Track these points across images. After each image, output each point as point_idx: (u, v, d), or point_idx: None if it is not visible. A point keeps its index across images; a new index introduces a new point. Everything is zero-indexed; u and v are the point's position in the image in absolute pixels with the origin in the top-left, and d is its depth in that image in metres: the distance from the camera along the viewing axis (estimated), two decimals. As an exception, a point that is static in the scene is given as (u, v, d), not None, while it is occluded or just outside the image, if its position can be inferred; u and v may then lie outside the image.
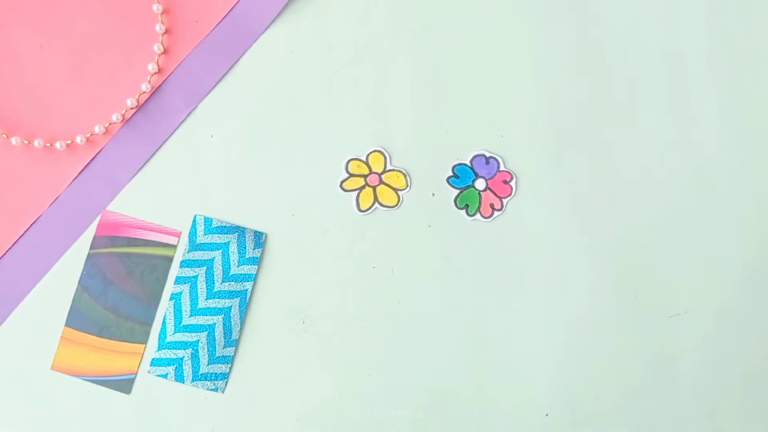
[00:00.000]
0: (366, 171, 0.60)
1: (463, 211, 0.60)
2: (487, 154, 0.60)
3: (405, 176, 0.60)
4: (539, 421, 0.60)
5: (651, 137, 0.61)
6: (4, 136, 0.58)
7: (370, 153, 0.60)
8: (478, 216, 0.60)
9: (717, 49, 0.62)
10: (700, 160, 0.61)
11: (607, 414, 0.61)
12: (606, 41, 0.62)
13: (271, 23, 0.61)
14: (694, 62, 0.62)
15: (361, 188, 0.60)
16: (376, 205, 0.60)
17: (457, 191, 0.61)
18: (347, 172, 0.60)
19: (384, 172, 0.60)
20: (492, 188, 0.60)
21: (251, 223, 0.60)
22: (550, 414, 0.61)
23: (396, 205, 0.60)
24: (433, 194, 0.61)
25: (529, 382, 0.61)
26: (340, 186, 0.60)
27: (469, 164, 0.60)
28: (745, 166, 0.62)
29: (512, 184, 0.61)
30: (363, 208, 0.60)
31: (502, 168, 0.61)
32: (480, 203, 0.60)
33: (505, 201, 0.60)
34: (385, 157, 0.60)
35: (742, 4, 0.62)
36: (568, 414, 0.61)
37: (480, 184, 0.60)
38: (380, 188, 0.60)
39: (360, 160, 0.60)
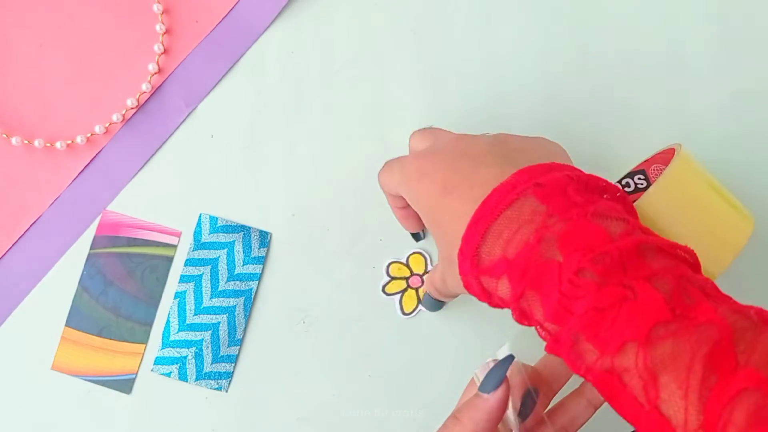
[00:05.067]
0: (407, 273, 0.60)
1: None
2: (488, 154, 0.60)
3: None
4: (539, 421, 0.60)
5: (651, 137, 0.61)
6: (4, 136, 0.58)
7: (410, 255, 0.60)
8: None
9: (718, 49, 0.62)
10: (701, 160, 0.61)
11: (607, 414, 0.61)
12: (606, 41, 0.62)
13: (271, 23, 0.61)
14: (695, 62, 0.62)
15: (404, 291, 0.60)
16: (420, 307, 0.60)
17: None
18: (388, 275, 0.60)
19: (425, 273, 0.60)
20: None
21: (251, 224, 0.60)
22: (550, 413, 0.61)
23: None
24: (434, 194, 0.61)
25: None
26: (382, 290, 0.59)
27: (469, 164, 0.61)
28: (746, 165, 0.62)
29: (512, 184, 0.61)
30: (407, 311, 0.60)
31: (502, 168, 0.61)
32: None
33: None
34: (425, 259, 0.60)
35: (743, 4, 0.63)
36: (567, 413, 0.61)
37: (480, 184, 0.61)
38: (423, 290, 0.60)
39: (400, 263, 0.60)
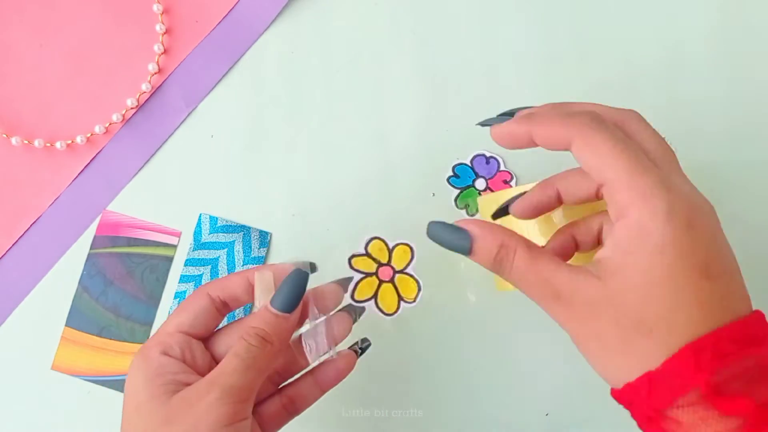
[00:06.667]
0: (373, 267, 0.53)
1: (463, 211, 0.60)
2: (488, 154, 0.61)
3: (410, 248, 0.53)
4: (539, 421, 0.60)
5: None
6: (4, 136, 0.58)
7: (369, 242, 0.53)
8: (478, 216, 0.60)
9: (719, 50, 0.62)
10: (701, 160, 0.62)
11: (607, 414, 0.61)
12: (606, 41, 0.62)
13: (271, 23, 0.61)
14: (696, 63, 0.62)
15: (377, 292, 0.53)
16: (402, 303, 0.53)
17: (457, 191, 0.61)
18: (353, 269, 0.52)
19: (390, 261, 0.52)
20: (492, 188, 0.60)
21: (251, 223, 0.60)
22: (550, 414, 0.61)
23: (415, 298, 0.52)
24: (434, 194, 0.61)
25: (529, 382, 0.61)
26: (351, 297, 0.52)
27: (469, 164, 0.60)
28: (747, 166, 0.62)
29: (512, 184, 0.61)
30: (389, 311, 0.53)
31: (502, 168, 0.61)
32: (480, 203, 0.61)
33: (505, 201, 0.61)
34: (387, 244, 0.52)
35: (743, 5, 0.63)
36: (568, 414, 0.61)
37: (480, 184, 0.60)
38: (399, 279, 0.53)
39: (360, 255, 0.52)
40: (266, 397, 0.49)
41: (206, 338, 0.48)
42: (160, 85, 0.60)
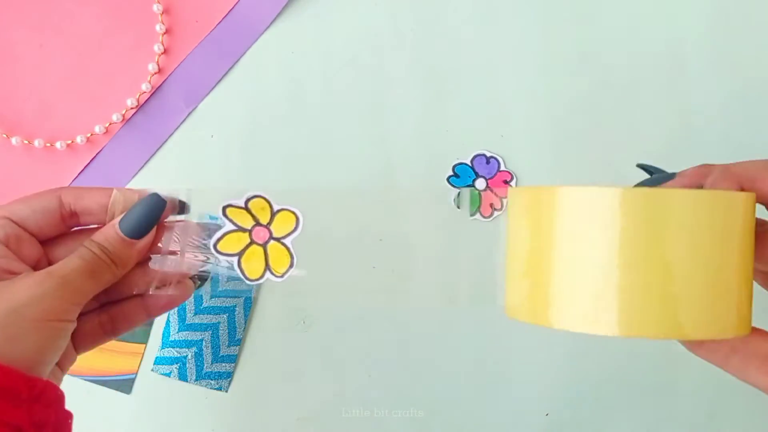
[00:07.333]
0: (250, 222, 0.45)
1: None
2: (488, 154, 0.61)
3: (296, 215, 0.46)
4: (539, 421, 0.60)
5: (651, 138, 0.61)
6: (5, 136, 0.58)
7: (251, 198, 0.45)
8: (478, 216, 0.60)
9: (718, 50, 0.62)
10: (701, 160, 0.61)
11: (607, 414, 0.61)
12: (606, 41, 0.62)
13: (271, 23, 0.61)
14: (695, 63, 0.62)
15: (245, 249, 0.45)
16: (267, 273, 0.46)
17: (457, 191, 0.61)
18: (226, 218, 0.45)
19: (272, 222, 0.45)
20: (492, 188, 0.60)
21: (251, 223, 0.60)
22: (550, 414, 0.61)
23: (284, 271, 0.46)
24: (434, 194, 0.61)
25: (529, 381, 0.61)
26: (214, 247, 0.45)
27: (469, 164, 0.60)
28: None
29: (512, 184, 0.61)
30: (252, 277, 0.45)
31: (502, 168, 0.61)
32: (480, 203, 0.60)
33: (505, 201, 0.60)
34: (270, 204, 0.45)
35: (743, 4, 0.63)
36: (568, 414, 0.61)
37: (480, 183, 0.60)
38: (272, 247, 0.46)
39: (238, 207, 0.45)
40: (84, 312, 0.43)
41: (41, 241, 0.43)
42: (160, 85, 0.60)
